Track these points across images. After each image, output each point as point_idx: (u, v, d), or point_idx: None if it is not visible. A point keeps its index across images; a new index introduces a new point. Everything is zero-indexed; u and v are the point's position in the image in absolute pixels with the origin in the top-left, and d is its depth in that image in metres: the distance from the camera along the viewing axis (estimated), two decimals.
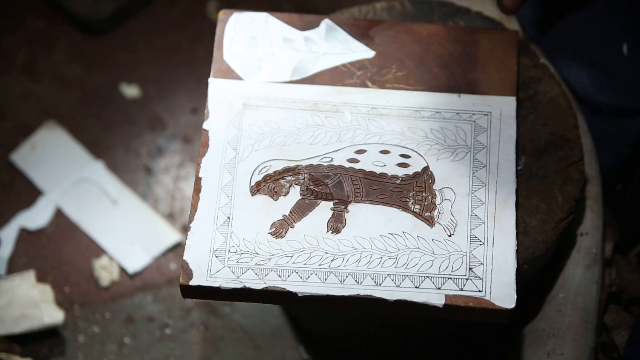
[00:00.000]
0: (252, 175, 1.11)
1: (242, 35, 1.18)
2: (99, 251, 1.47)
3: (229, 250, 1.07)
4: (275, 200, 1.10)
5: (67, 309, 1.42)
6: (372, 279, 1.05)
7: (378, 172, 1.11)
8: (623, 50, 1.24)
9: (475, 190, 1.09)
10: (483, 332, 1.31)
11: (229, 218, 1.09)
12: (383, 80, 1.16)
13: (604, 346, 1.22)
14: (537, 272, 1.16)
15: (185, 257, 1.07)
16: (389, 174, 1.11)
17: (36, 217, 1.49)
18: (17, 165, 1.53)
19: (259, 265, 1.06)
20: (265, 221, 1.09)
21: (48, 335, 1.40)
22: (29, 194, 1.51)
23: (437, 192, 1.10)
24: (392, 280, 1.05)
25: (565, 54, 1.26)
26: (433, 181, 1.10)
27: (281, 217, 1.09)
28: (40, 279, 1.44)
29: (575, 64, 1.26)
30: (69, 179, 1.52)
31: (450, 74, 1.16)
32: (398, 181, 1.10)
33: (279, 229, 1.08)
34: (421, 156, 1.12)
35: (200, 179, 1.11)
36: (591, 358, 1.17)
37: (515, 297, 1.04)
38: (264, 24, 1.19)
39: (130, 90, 1.60)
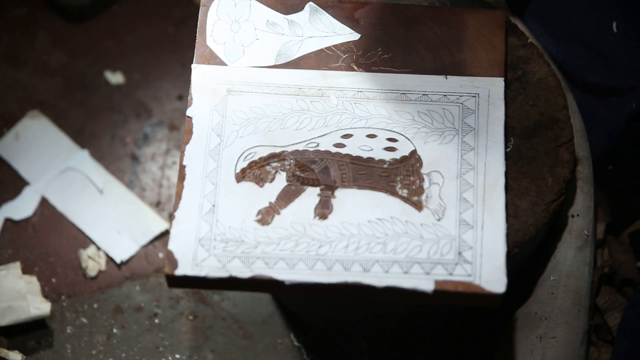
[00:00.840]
0: (237, 162, 1.09)
1: (225, 20, 1.17)
2: (85, 241, 1.46)
3: (215, 239, 1.06)
4: (261, 187, 1.08)
5: (54, 300, 1.41)
6: (361, 265, 1.04)
7: (365, 157, 1.09)
8: (612, 28, 1.23)
9: (464, 174, 1.08)
10: (474, 316, 1.30)
11: (214, 206, 1.07)
12: (369, 63, 1.14)
13: (597, 328, 1.22)
14: (527, 255, 1.15)
15: (170, 247, 1.05)
16: (376, 159, 1.09)
17: (21, 207, 1.47)
18: (0, 155, 1.51)
19: (245, 253, 1.05)
20: (251, 208, 1.07)
21: (35, 327, 1.38)
22: (14, 184, 1.49)
23: (425, 176, 1.08)
24: (381, 266, 1.04)
25: (554, 32, 1.25)
26: (421, 165, 1.09)
27: (267, 204, 1.07)
28: (27, 270, 1.42)
29: (564, 42, 1.25)
30: (54, 169, 1.50)
31: (437, 55, 1.14)
32: (385, 165, 1.09)
33: (265, 216, 1.07)
34: (408, 140, 1.10)
35: (185, 166, 1.09)
36: (584, 341, 1.16)
37: (506, 281, 1.03)
38: (247, 8, 1.17)
39: (115, 78, 1.58)
